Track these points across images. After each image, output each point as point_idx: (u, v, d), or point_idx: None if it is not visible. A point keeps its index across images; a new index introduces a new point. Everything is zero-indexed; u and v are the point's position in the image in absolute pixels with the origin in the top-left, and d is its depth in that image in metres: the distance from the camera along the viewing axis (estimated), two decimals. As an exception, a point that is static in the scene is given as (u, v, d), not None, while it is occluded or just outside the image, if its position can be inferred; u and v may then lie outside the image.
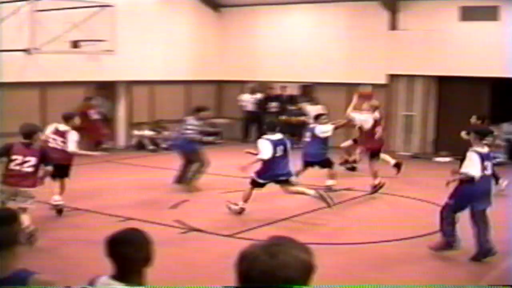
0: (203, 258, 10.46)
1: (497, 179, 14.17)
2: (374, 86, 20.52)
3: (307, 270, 2.91)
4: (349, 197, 15.00)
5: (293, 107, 23.56)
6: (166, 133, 22.36)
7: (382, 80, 22.01)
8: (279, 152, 12.69)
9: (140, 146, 22.34)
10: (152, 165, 19.19)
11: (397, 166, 17.27)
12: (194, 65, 24.46)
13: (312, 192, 13.01)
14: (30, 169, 10.86)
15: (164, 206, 13.72)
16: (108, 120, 22.09)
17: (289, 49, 23.80)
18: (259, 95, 24.07)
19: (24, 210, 10.38)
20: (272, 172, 12.79)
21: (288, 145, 13.01)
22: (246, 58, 24.76)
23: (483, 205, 10.28)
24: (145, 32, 22.17)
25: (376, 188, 15.09)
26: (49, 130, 13.15)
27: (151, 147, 22.27)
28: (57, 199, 12.78)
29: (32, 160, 10.88)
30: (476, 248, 10.20)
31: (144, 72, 22.27)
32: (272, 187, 13.19)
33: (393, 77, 22.08)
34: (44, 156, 11.18)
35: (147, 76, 22.49)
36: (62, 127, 13.01)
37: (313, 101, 22.97)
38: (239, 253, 2.95)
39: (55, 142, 12.83)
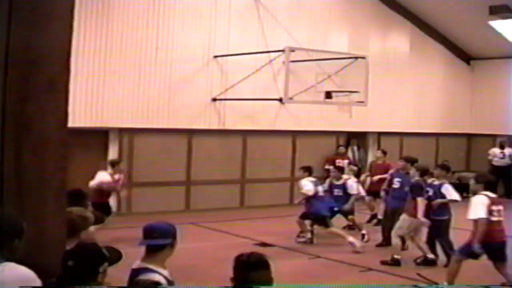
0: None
1: None
2: None
3: None
4: None
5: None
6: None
7: None
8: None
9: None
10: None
11: None
12: (444, 117, 23.19)
13: None
14: None
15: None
16: (359, 170, 21.36)
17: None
18: (508, 149, 22.32)
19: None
20: None
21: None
22: (497, 112, 23.09)
23: None
24: (396, 83, 21.37)
25: None
26: None
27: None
28: None
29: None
30: None
31: (394, 123, 21.40)
32: None
33: None
34: None
35: (397, 128, 21.58)
36: None
37: None
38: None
39: None
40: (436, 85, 23.00)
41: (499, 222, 9.78)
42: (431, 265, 11.85)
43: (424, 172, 12.50)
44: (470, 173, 20.71)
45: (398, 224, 12.25)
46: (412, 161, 14.11)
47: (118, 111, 16.23)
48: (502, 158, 22.15)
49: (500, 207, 9.86)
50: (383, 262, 12.00)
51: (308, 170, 13.97)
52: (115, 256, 4.86)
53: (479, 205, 9.66)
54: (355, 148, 21.32)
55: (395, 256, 12.03)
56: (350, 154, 21.08)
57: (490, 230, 9.62)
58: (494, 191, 10.14)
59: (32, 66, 4.79)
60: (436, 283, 10.45)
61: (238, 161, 18.41)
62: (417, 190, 12.15)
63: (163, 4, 16.76)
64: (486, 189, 9.92)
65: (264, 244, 13.25)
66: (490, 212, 9.67)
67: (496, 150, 22.43)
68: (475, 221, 9.64)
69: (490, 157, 22.40)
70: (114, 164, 13.86)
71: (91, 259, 4.37)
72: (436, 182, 12.16)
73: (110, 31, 15.97)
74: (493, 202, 9.78)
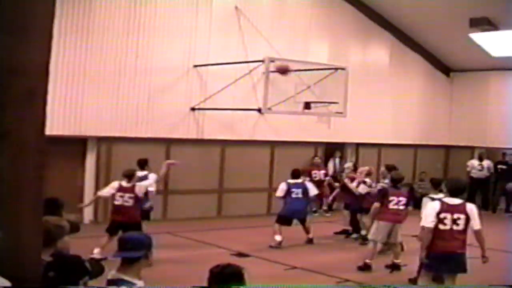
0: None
1: None
2: None
3: None
4: None
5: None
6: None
7: None
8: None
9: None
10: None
11: None
12: (423, 129, 23.39)
13: None
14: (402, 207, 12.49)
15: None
16: (338, 181, 21.37)
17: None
18: (486, 162, 22.50)
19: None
20: None
21: None
22: (475, 124, 23.29)
23: None
24: (375, 95, 21.49)
25: None
26: None
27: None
28: None
29: (403, 200, 12.51)
30: None
31: (373, 135, 21.55)
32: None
33: None
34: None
35: (375, 139, 21.73)
36: None
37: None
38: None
39: None
40: (415, 97, 23.19)
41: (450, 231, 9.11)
42: (398, 270, 12.26)
43: (396, 180, 12.81)
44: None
45: (372, 230, 12.55)
46: (389, 168, 14.67)
47: (97, 120, 16.21)
48: (480, 170, 22.31)
49: (456, 215, 9.11)
50: (359, 267, 12.32)
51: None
52: (97, 270, 4.90)
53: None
54: (337, 160, 21.39)
55: (366, 261, 12.32)
56: (331, 165, 21.16)
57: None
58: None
59: (11, 75, 4.80)
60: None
61: (216, 171, 18.43)
62: (379, 195, 12.80)
63: (144, 13, 16.78)
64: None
65: (240, 254, 13.31)
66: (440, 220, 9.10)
67: (474, 162, 22.58)
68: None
69: (468, 169, 22.55)
70: (130, 176, 12.84)
71: (72, 271, 4.41)
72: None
73: (90, 39, 15.94)
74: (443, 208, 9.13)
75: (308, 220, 15.23)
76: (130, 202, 12.43)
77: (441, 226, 9.09)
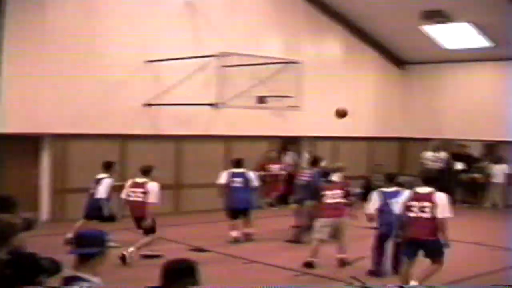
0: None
1: None
2: None
3: None
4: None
5: (477, 166, 22.20)
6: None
7: None
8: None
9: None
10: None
11: None
12: (377, 121, 23.63)
13: None
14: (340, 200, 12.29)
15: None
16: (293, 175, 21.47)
17: (473, 106, 22.51)
18: (442, 153, 22.78)
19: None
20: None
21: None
22: (430, 116, 23.63)
23: None
24: (330, 88, 21.62)
25: None
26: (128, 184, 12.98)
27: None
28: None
29: (339, 192, 12.29)
30: None
31: (328, 128, 21.62)
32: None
33: None
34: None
35: (330, 132, 21.84)
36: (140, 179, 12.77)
37: (498, 160, 21.51)
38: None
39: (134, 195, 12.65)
40: (370, 90, 23.43)
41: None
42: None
43: (324, 174, 13.02)
44: (404, 177, 21.10)
45: (314, 228, 12.52)
46: (316, 161, 14.97)
47: (51, 117, 16.10)
48: (435, 161, 22.56)
49: (422, 203, 9.80)
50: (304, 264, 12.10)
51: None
52: (54, 268, 4.87)
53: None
54: (292, 153, 21.49)
55: (308, 259, 12.11)
56: (287, 158, 21.24)
57: None
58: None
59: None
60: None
61: (172, 167, 18.40)
62: (313, 193, 12.92)
63: (96, 10, 16.72)
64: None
65: (199, 250, 13.31)
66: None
67: (428, 154, 22.84)
68: None
69: (423, 161, 22.81)
70: (146, 171, 12.89)
71: (29, 269, 4.40)
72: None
73: (44, 36, 15.84)
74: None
75: (252, 214, 14.98)
76: (141, 197, 12.54)
77: (410, 214, 9.86)
